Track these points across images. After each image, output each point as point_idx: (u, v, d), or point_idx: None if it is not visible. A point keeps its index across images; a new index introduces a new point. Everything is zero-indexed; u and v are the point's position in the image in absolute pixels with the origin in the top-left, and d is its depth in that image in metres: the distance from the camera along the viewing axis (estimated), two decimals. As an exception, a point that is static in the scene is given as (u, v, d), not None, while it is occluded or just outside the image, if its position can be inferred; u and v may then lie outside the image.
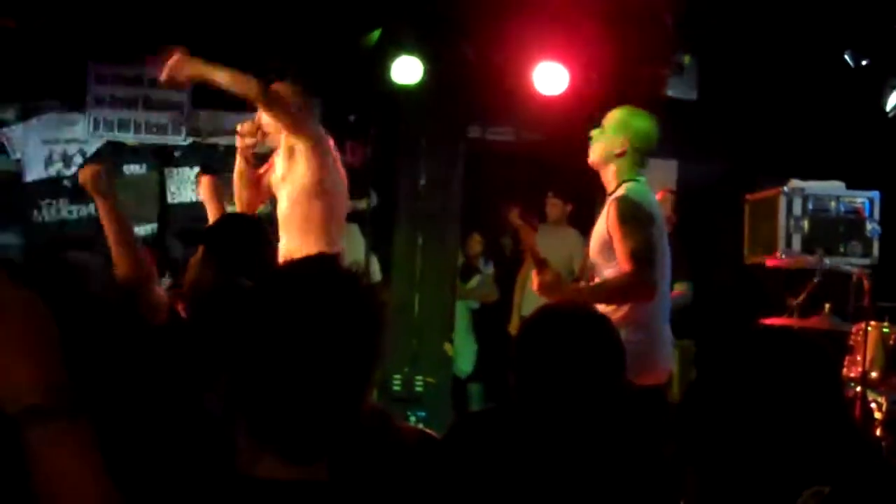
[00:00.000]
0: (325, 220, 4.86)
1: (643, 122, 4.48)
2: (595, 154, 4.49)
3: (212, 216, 5.14)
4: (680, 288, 6.89)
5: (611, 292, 4.25)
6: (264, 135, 5.07)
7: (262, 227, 4.13)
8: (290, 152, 4.91)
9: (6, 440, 1.29)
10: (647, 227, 4.24)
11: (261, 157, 5.24)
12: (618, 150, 4.42)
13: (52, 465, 1.29)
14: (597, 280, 4.41)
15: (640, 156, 4.44)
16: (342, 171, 5.01)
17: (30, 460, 1.29)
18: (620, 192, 4.33)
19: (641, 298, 4.20)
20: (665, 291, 4.40)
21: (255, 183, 5.15)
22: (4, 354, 1.27)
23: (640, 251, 4.17)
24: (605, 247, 4.30)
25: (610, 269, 4.31)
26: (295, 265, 1.87)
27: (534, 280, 4.36)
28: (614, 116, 4.48)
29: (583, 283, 4.52)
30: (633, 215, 4.23)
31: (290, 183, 4.89)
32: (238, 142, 5.17)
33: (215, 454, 2.26)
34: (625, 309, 4.22)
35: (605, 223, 4.30)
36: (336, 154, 5.01)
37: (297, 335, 1.73)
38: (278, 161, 5.05)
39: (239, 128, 5.17)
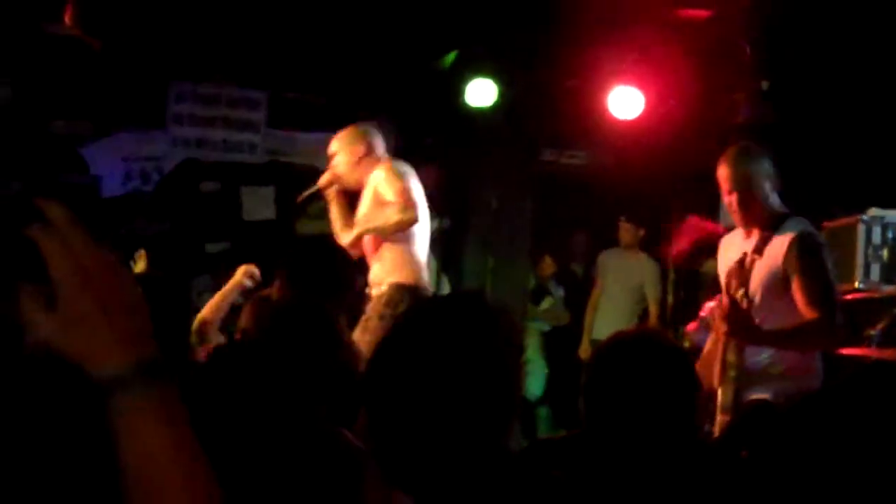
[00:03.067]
0: (411, 253, 5.20)
1: (758, 155, 4.37)
2: (737, 216, 4.33)
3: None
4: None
5: (803, 338, 4.15)
6: (340, 178, 5.38)
7: (339, 250, 4.18)
8: (377, 199, 5.18)
9: (92, 410, 1.28)
10: (829, 267, 4.18)
11: (351, 195, 5.45)
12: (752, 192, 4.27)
13: (139, 438, 1.26)
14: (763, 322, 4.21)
15: (773, 185, 4.33)
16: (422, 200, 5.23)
17: (115, 433, 1.26)
18: (798, 228, 4.20)
19: (832, 343, 4.17)
20: None
21: (351, 222, 5.35)
22: (92, 314, 1.26)
23: (827, 294, 4.09)
24: (778, 288, 4.15)
25: (778, 310, 4.17)
26: (438, 302, 1.86)
27: (720, 319, 4.12)
28: (728, 167, 4.31)
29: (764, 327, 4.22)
30: (818, 255, 4.15)
31: None
32: (324, 192, 5.44)
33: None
34: (803, 357, 4.17)
35: (779, 262, 4.15)
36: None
37: (444, 373, 1.69)
38: (364, 200, 5.29)
39: (320, 182, 5.43)
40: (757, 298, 4.13)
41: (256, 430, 2.57)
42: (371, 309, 5.09)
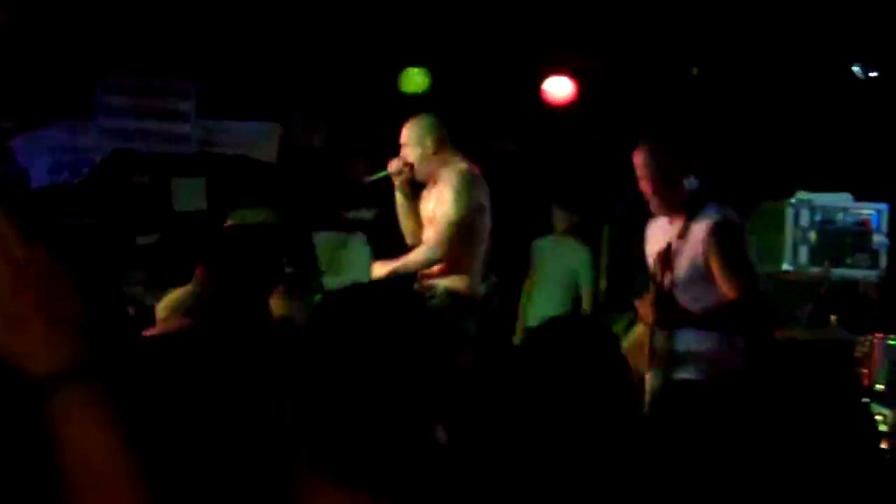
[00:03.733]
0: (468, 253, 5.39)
1: (679, 142, 4.43)
2: (653, 202, 4.37)
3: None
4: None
5: (727, 319, 4.20)
6: (412, 168, 5.45)
7: (263, 239, 4.09)
8: (441, 193, 5.36)
9: (25, 409, 1.27)
10: (747, 250, 4.29)
11: (418, 186, 5.55)
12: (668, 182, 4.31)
13: (74, 436, 1.25)
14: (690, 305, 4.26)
15: (692, 172, 4.36)
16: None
17: (52, 431, 1.25)
18: (716, 216, 4.24)
19: (756, 323, 4.23)
20: None
21: (416, 214, 5.53)
22: (26, 311, 1.24)
23: (748, 276, 4.17)
24: (702, 272, 4.20)
25: (703, 294, 4.22)
26: (364, 288, 1.86)
27: (648, 310, 4.20)
28: (646, 153, 4.35)
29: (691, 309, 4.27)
30: (736, 241, 4.22)
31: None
32: (394, 179, 5.52)
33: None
34: (728, 337, 4.21)
35: (699, 248, 4.20)
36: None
37: (364, 357, 1.69)
38: (431, 196, 5.47)
39: (390, 167, 5.50)
40: (682, 284, 4.21)
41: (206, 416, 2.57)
42: None
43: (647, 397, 4.12)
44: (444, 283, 5.34)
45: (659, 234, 4.39)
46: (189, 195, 7.87)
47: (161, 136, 7.81)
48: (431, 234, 5.39)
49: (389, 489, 1.68)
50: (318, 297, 6.62)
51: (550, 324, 2.95)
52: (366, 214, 7.72)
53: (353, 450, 1.67)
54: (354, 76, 8.02)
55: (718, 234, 4.16)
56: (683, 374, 4.17)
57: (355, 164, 8.22)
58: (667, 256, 4.20)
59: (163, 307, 4.14)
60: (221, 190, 7.92)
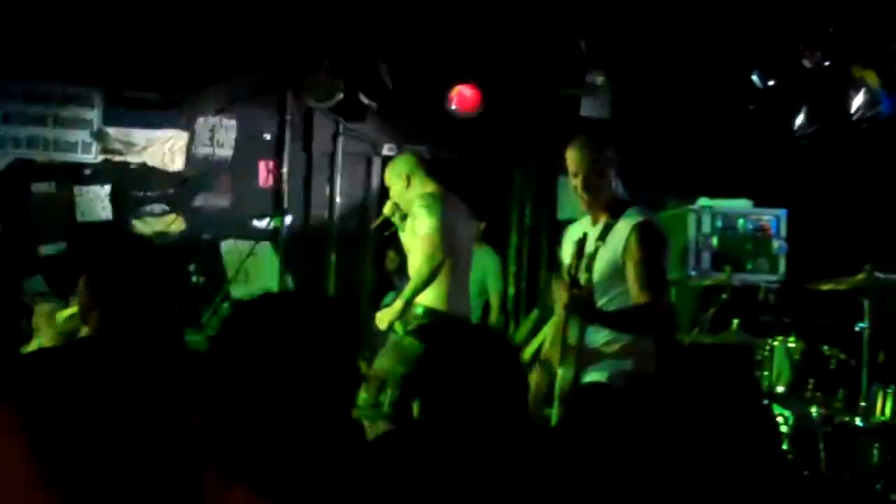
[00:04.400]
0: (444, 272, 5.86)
1: (604, 144, 4.40)
2: (585, 202, 4.38)
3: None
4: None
5: (633, 322, 4.21)
6: (397, 205, 6.09)
7: (145, 248, 3.90)
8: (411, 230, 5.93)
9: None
10: (665, 257, 4.25)
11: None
12: (595, 178, 4.32)
13: None
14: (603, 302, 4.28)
15: (616, 174, 4.37)
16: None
17: None
18: (639, 217, 4.26)
19: (661, 328, 4.23)
20: None
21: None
22: None
23: (659, 281, 4.18)
24: (619, 275, 4.22)
25: (618, 296, 4.25)
26: (274, 298, 1.87)
27: (562, 294, 4.18)
28: (575, 154, 4.36)
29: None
30: (656, 244, 4.21)
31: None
32: (392, 219, 6.12)
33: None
34: (638, 338, 4.22)
35: (620, 249, 4.22)
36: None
37: (271, 363, 1.72)
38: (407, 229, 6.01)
39: (385, 210, 6.15)
40: (599, 284, 4.21)
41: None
42: None
43: (558, 393, 4.13)
44: (422, 302, 5.82)
45: (579, 235, 4.37)
46: (92, 204, 7.74)
47: (63, 144, 7.67)
48: (414, 259, 5.89)
49: (295, 495, 1.70)
50: (225, 305, 6.58)
51: (448, 333, 3.01)
52: (274, 223, 7.66)
53: (261, 457, 1.68)
54: (261, 84, 7.99)
55: (640, 236, 4.17)
56: (594, 375, 4.20)
57: (265, 169, 8.19)
58: (585, 256, 4.21)
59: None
60: (126, 198, 7.81)
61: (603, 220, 4.32)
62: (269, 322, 1.77)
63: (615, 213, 4.30)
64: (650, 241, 4.19)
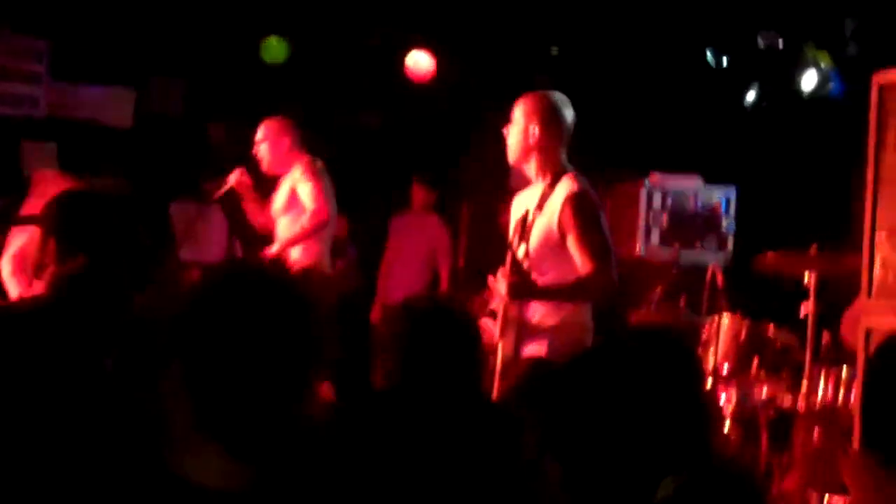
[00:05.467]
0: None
1: (557, 105, 4.29)
2: (512, 150, 4.28)
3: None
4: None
5: (580, 291, 4.16)
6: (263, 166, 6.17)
7: (107, 202, 3.80)
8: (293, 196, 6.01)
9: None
10: (603, 224, 4.18)
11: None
12: (534, 141, 4.23)
13: None
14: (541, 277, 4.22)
15: (560, 141, 4.25)
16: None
17: None
18: (573, 187, 4.17)
19: (609, 297, 4.21)
20: None
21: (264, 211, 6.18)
22: None
23: (603, 250, 4.11)
24: (555, 244, 4.16)
25: (553, 266, 4.19)
26: (241, 267, 2.06)
27: (502, 280, 4.12)
28: (524, 105, 4.26)
29: (541, 281, 4.20)
30: (592, 213, 4.13)
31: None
32: (239, 189, 6.17)
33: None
34: (577, 310, 4.18)
35: (555, 219, 4.14)
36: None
37: (243, 329, 1.82)
38: (280, 194, 6.08)
39: (230, 181, 6.13)
40: (535, 254, 4.17)
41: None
42: None
43: (498, 367, 4.13)
44: (296, 260, 5.89)
45: (522, 205, 4.33)
46: (40, 160, 7.61)
47: (10, 98, 7.53)
48: (286, 227, 5.98)
49: (265, 453, 1.81)
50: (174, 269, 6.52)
51: (406, 304, 3.02)
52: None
53: (233, 415, 1.80)
54: (214, 42, 7.88)
55: (575, 205, 4.10)
56: (534, 345, 4.20)
57: (213, 132, 8.10)
58: (524, 226, 4.15)
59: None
60: (74, 156, 7.68)
61: (541, 188, 4.26)
62: (243, 290, 1.87)
63: (554, 180, 4.22)
64: (587, 210, 4.12)
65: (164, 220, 7.64)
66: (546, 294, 4.18)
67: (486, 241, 8.64)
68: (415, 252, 8.05)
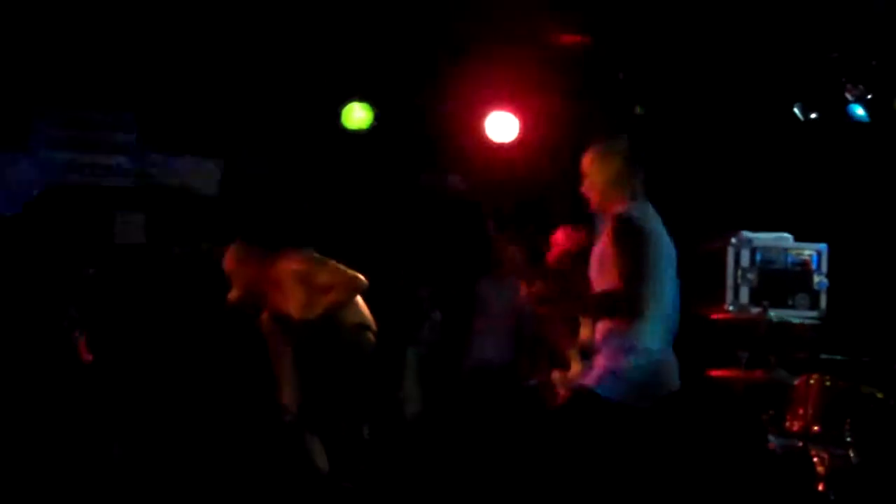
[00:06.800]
0: None
1: (612, 152, 4.53)
2: (592, 197, 4.51)
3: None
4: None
5: (604, 306, 4.30)
6: None
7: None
8: None
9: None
10: (641, 245, 4.24)
11: None
12: (602, 184, 4.46)
13: None
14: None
15: (624, 181, 4.45)
16: None
17: None
18: (619, 210, 4.35)
19: (627, 316, 4.20)
20: (667, 315, 4.34)
21: None
22: None
23: (634, 272, 4.17)
24: (606, 265, 4.30)
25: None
26: None
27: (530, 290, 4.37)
28: (588, 159, 4.55)
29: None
30: (626, 233, 4.24)
31: None
32: None
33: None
34: (624, 335, 4.22)
35: (606, 242, 4.32)
36: None
37: None
38: None
39: None
40: (593, 276, 4.34)
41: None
42: None
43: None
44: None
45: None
46: (129, 228, 7.78)
47: (100, 169, 7.71)
48: None
49: None
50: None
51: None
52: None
53: None
54: (297, 111, 7.98)
55: (617, 229, 4.24)
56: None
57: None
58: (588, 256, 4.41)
59: None
60: (161, 223, 7.84)
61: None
62: None
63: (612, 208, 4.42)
64: (627, 233, 4.21)
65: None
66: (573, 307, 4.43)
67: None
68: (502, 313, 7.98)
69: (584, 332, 4.48)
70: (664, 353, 4.30)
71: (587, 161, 4.53)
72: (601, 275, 4.31)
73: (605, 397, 4.11)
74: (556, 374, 4.52)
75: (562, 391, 4.45)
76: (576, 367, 4.43)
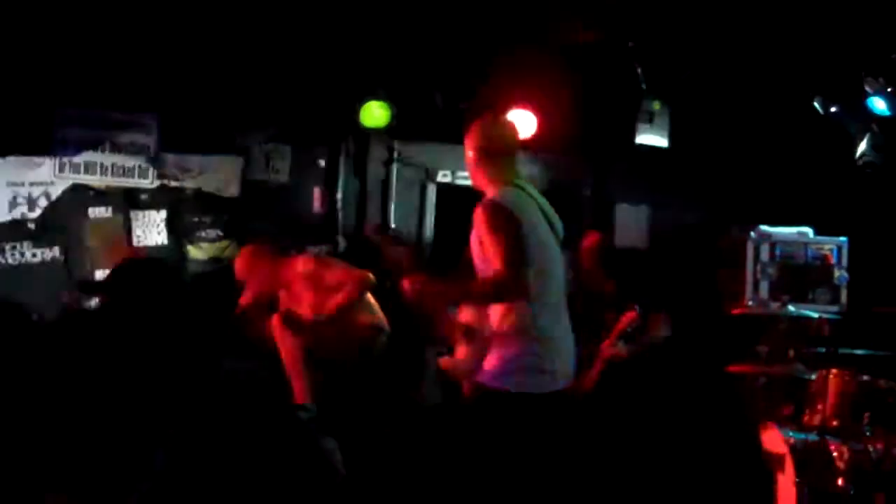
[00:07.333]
0: None
1: (487, 127, 4.45)
2: (470, 176, 4.46)
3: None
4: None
5: (484, 294, 4.20)
6: None
7: (163, 270, 4.01)
8: None
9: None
10: (513, 229, 4.13)
11: None
12: (472, 159, 4.39)
13: None
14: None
15: (495, 157, 4.35)
16: None
17: None
18: (486, 196, 4.28)
19: (509, 300, 4.14)
20: (555, 302, 4.29)
21: None
22: None
23: (508, 253, 4.06)
24: (479, 251, 4.23)
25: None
26: None
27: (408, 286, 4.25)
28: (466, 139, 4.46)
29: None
30: (496, 219, 4.13)
31: None
32: None
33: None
34: (511, 319, 4.16)
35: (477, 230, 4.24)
36: None
37: None
38: None
39: None
40: (478, 269, 4.24)
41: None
42: None
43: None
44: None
45: None
46: (148, 229, 7.81)
47: (120, 169, 7.75)
48: None
49: None
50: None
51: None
52: (325, 250, 7.69)
53: None
54: (316, 110, 8.00)
55: (484, 213, 4.15)
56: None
57: (319, 197, 8.20)
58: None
59: None
60: (181, 223, 7.87)
61: None
62: None
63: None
64: (494, 216, 4.12)
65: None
66: (451, 296, 4.33)
67: (599, 298, 8.57)
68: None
69: (464, 316, 4.39)
70: (558, 340, 4.26)
71: (465, 141, 4.43)
72: (479, 261, 4.23)
73: (503, 391, 4.08)
74: (445, 362, 4.46)
75: (465, 385, 4.37)
76: (462, 349, 4.33)
